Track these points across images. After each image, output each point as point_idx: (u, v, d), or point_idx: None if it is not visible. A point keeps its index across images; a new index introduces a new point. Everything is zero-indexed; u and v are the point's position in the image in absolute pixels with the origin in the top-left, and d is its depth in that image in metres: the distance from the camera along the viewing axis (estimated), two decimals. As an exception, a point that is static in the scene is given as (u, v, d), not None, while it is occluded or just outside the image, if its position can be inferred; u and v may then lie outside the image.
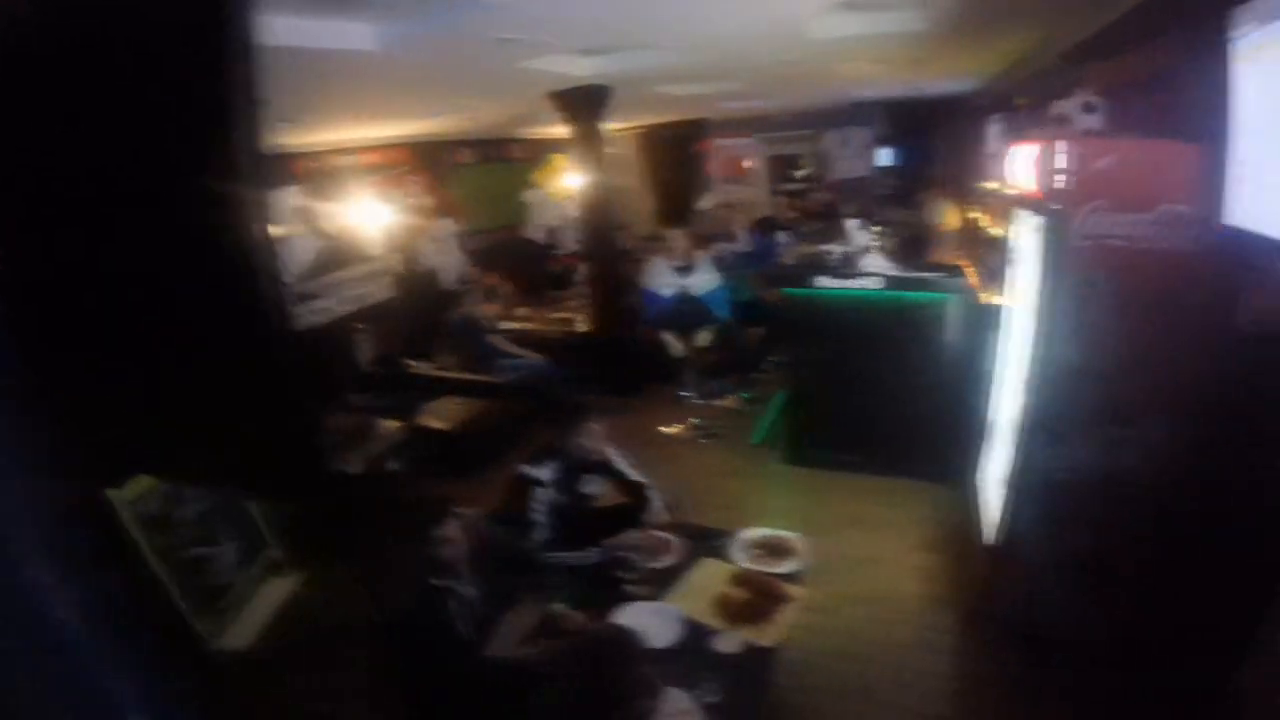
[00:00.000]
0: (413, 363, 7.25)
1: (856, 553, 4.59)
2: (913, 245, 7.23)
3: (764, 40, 5.08)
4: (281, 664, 3.89)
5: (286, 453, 1.46)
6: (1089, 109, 3.69)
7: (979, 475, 4.40)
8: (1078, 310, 3.06)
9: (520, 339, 7.62)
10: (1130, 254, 2.92)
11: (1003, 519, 3.68)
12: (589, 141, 6.95)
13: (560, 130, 7.18)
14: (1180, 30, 3.18)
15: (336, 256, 7.85)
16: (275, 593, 4.28)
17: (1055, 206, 3.03)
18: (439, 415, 6.30)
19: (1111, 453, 3.18)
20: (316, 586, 4.46)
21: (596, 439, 3.55)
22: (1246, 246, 2.46)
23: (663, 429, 6.61)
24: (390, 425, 5.88)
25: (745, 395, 6.94)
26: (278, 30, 3.41)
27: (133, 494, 3.55)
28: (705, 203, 11.63)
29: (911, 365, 5.16)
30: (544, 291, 9.46)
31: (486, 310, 7.96)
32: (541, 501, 3.38)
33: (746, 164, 12.83)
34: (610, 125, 11.08)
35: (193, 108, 1.16)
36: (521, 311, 8.54)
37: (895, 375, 5.20)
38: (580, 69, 5.56)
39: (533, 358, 7.13)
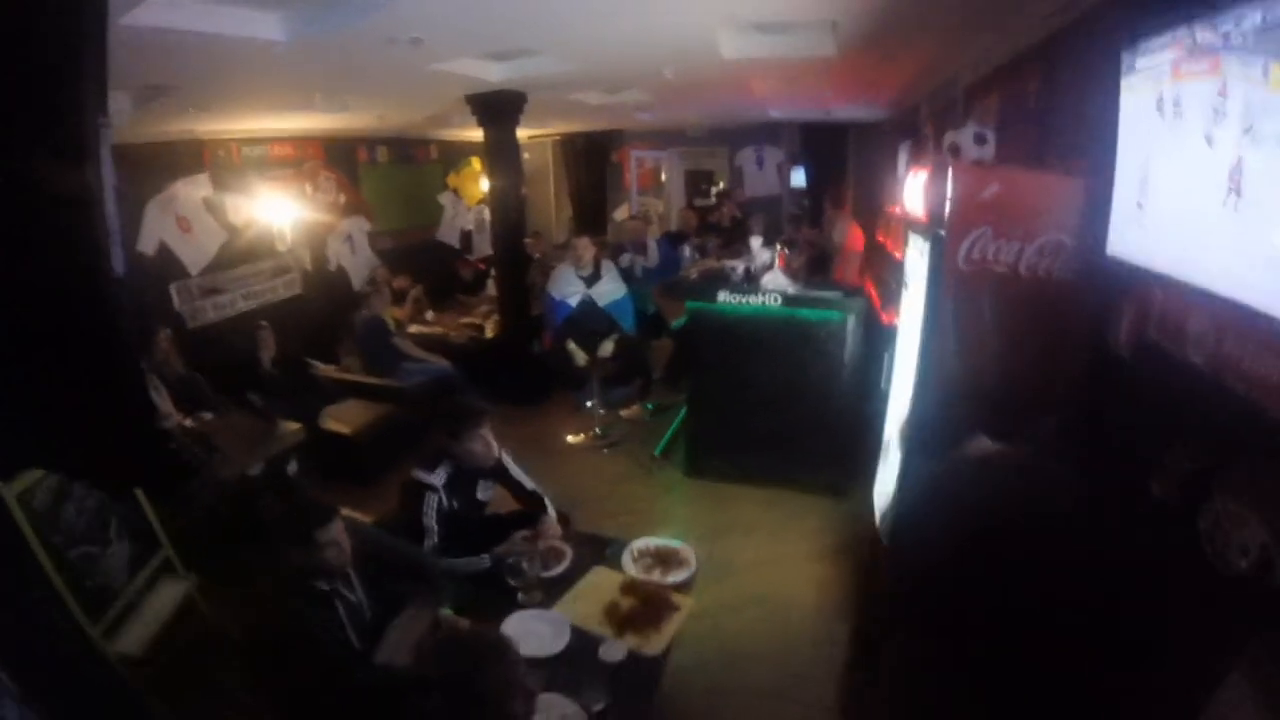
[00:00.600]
0: (317, 364, 7.13)
1: (748, 561, 4.72)
2: (817, 264, 7.43)
3: (674, 56, 5.22)
4: (172, 670, 3.79)
5: (126, 444, 1.48)
6: (980, 140, 3.83)
7: (874, 487, 4.54)
8: (961, 331, 3.16)
9: (427, 343, 7.58)
10: (1012, 280, 3.02)
11: (889, 526, 3.80)
12: (503, 146, 6.97)
13: (477, 133, 7.18)
14: (1071, 66, 3.38)
15: (242, 250, 7.70)
16: (169, 596, 4.15)
17: (940, 231, 3.13)
18: (340, 418, 6.23)
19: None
20: (209, 590, 4.36)
21: (491, 445, 3.55)
22: (1123, 276, 2.58)
23: (568, 438, 6.67)
24: (290, 426, 5.76)
25: (649, 406, 7.05)
26: (187, 14, 3.39)
27: (21, 486, 3.42)
28: (620, 213, 11.73)
29: (809, 381, 5.32)
30: (454, 295, 9.43)
31: (395, 313, 7.90)
32: (433, 506, 3.39)
33: (662, 176, 12.99)
34: (528, 131, 11.18)
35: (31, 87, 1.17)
36: (430, 315, 8.50)
37: (793, 390, 5.36)
38: (492, 74, 5.61)
39: (438, 362, 7.10)
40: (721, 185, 12.61)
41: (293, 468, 5.87)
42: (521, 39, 4.69)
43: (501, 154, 7.04)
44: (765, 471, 5.57)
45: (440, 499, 3.42)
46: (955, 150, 3.84)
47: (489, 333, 7.88)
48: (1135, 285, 2.55)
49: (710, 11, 4.02)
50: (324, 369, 6.98)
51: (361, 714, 2.50)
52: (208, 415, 5.70)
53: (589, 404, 6.64)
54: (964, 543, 2.39)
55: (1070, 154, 3.33)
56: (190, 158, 7.15)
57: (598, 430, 6.57)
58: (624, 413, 7.03)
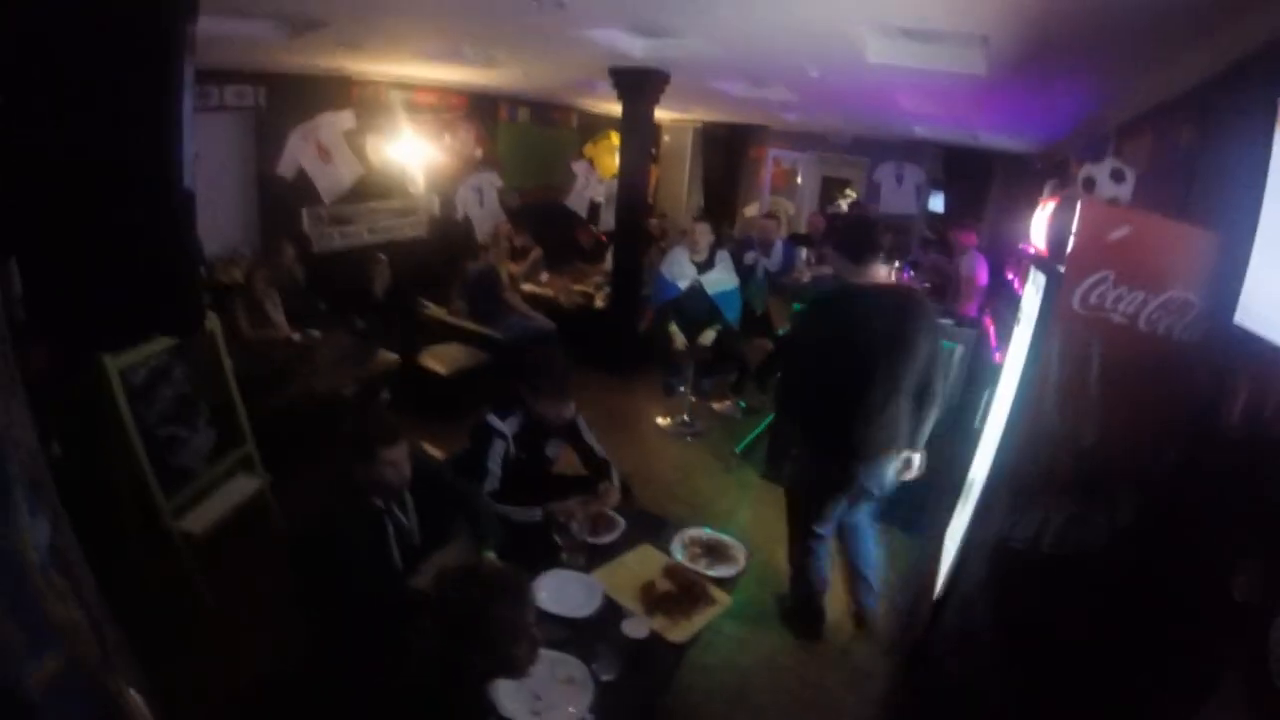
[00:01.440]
0: (428, 303, 7.32)
1: None
2: (939, 292, 7.21)
3: (819, 54, 5.12)
4: (227, 557, 4.02)
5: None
6: (1118, 177, 3.60)
7: (948, 530, 4.35)
8: (1064, 379, 2.91)
9: (536, 302, 7.70)
10: (1128, 332, 2.77)
11: (950, 573, 3.63)
12: (638, 123, 6.98)
13: (618, 107, 7.21)
14: (1224, 115, 3.14)
15: (375, 187, 7.98)
16: (242, 489, 4.33)
17: (1060, 269, 2.91)
18: (438, 357, 6.39)
19: (1074, 528, 3.06)
20: (282, 492, 4.54)
21: (565, 411, 3.56)
22: (1248, 349, 2.36)
23: (656, 419, 6.67)
24: (388, 356, 5.95)
25: (743, 404, 6.98)
26: None
27: (123, 363, 3.63)
28: (750, 209, 11.62)
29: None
30: (572, 262, 9.52)
31: (510, 267, 8.04)
32: (499, 452, 3.43)
33: (797, 178, 12.82)
34: (670, 113, 11.20)
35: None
36: (544, 277, 8.60)
37: None
38: (635, 48, 5.60)
39: (541, 321, 7.19)
40: (853, 195, 12.36)
41: (385, 395, 6.07)
42: (665, 15, 4.66)
43: (636, 130, 7.04)
44: (843, 493, 5.37)
45: (508, 446, 3.46)
46: (1090, 184, 3.61)
47: (598, 303, 7.92)
48: (1261, 360, 2.31)
49: (858, 10, 3.89)
50: (433, 309, 7.14)
51: (375, 625, 2.54)
52: (316, 333, 5.92)
53: (681, 389, 6.60)
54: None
55: (1213, 208, 3.04)
56: (338, 93, 7.45)
57: (685, 417, 6.52)
58: (716, 404, 6.97)
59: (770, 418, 6.08)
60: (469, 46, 5.95)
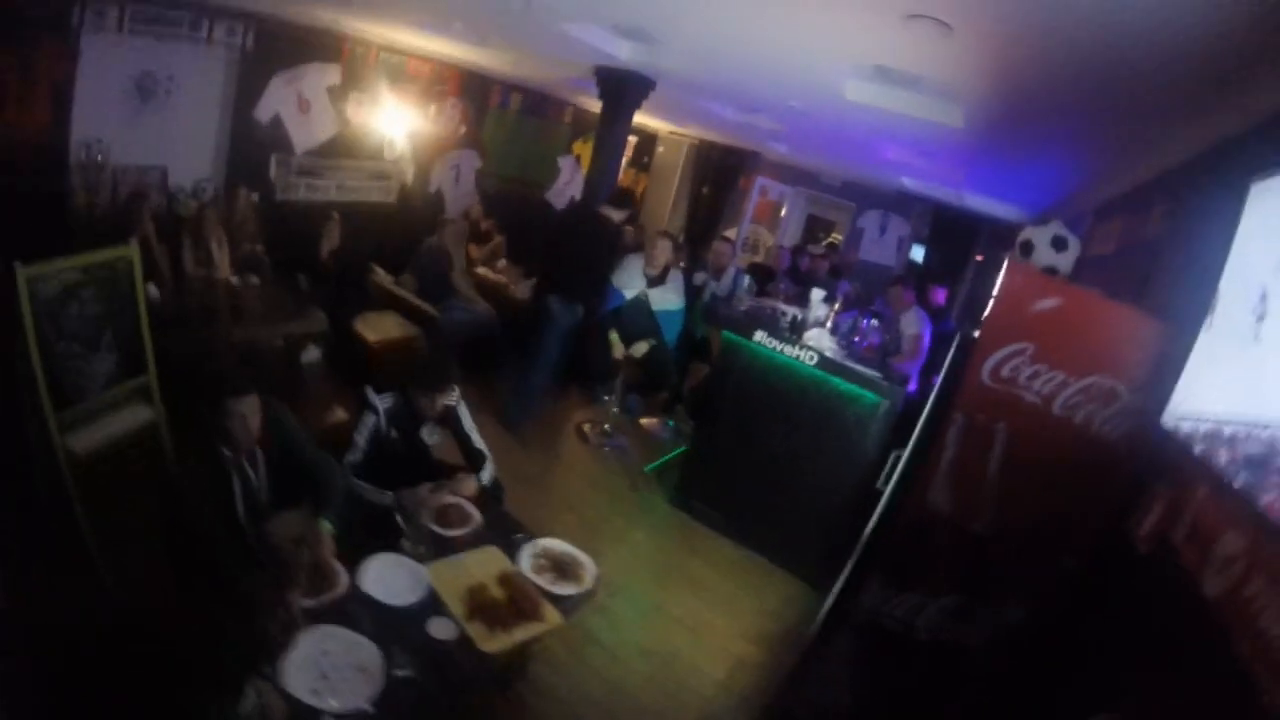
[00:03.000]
0: (378, 270, 7.21)
1: (681, 615, 4.43)
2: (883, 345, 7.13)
3: (799, 86, 5.14)
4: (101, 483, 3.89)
5: None
6: (1059, 245, 3.40)
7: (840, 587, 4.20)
8: (962, 454, 2.76)
9: (486, 289, 7.61)
10: (1040, 416, 2.62)
11: (815, 639, 3.54)
12: (615, 125, 6.93)
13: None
14: (1196, 202, 3.02)
15: (350, 146, 7.88)
16: (134, 418, 4.24)
17: (974, 333, 2.78)
18: (371, 325, 6.30)
19: (954, 618, 2.94)
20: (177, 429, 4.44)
21: (441, 397, 3.52)
22: (1169, 454, 2.24)
23: (580, 425, 6.61)
24: (317, 315, 5.85)
25: (671, 423, 6.93)
26: None
27: (34, 273, 3.58)
28: (730, 233, 11.57)
29: (823, 455, 4.96)
30: (537, 255, 9.39)
31: (471, 249, 7.95)
32: (368, 426, 3.41)
33: (782, 212, 12.79)
34: (666, 125, 11.17)
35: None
36: (500, 264, 8.50)
37: (804, 459, 5.03)
38: (620, 50, 5.55)
39: (482, 308, 7.11)
40: (837, 238, 12.34)
41: (312, 354, 5.99)
42: (650, 19, 4.61)
43: (611, 131, 6.97)
44: (748, 532, 5.27)
45: (379, 422, 3.44)
46: (1027, 248, 3.42)
47: (548, 300, 7.82)
48: (1181, 468, 2.15)
49: (834, 41, 3.84)
50: (380, 277, 7.04)
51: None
52: (254, 279, 5.85)
53: (606, 399, 6.55)
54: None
55: (1167, 295, 2.90)
56: (328, 47, 7.40)
57: (606, 428, 6.46)
58: (644, 422, 6.92)
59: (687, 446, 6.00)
60: (460, 23, 5.88)
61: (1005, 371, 2.63)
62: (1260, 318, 1.82)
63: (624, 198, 6.28)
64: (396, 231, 8.11)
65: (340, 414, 4.33)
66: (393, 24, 6.63)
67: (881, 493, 3.92)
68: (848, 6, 3.12)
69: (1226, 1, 1.90)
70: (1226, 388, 1.97)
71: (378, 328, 6.29)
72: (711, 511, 5.45)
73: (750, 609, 4.67)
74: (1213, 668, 1.59)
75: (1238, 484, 1.73)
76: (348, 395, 5.13)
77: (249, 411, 2.82)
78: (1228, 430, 1.88)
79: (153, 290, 4.77)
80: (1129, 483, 2.49)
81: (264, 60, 6.84)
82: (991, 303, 2.72)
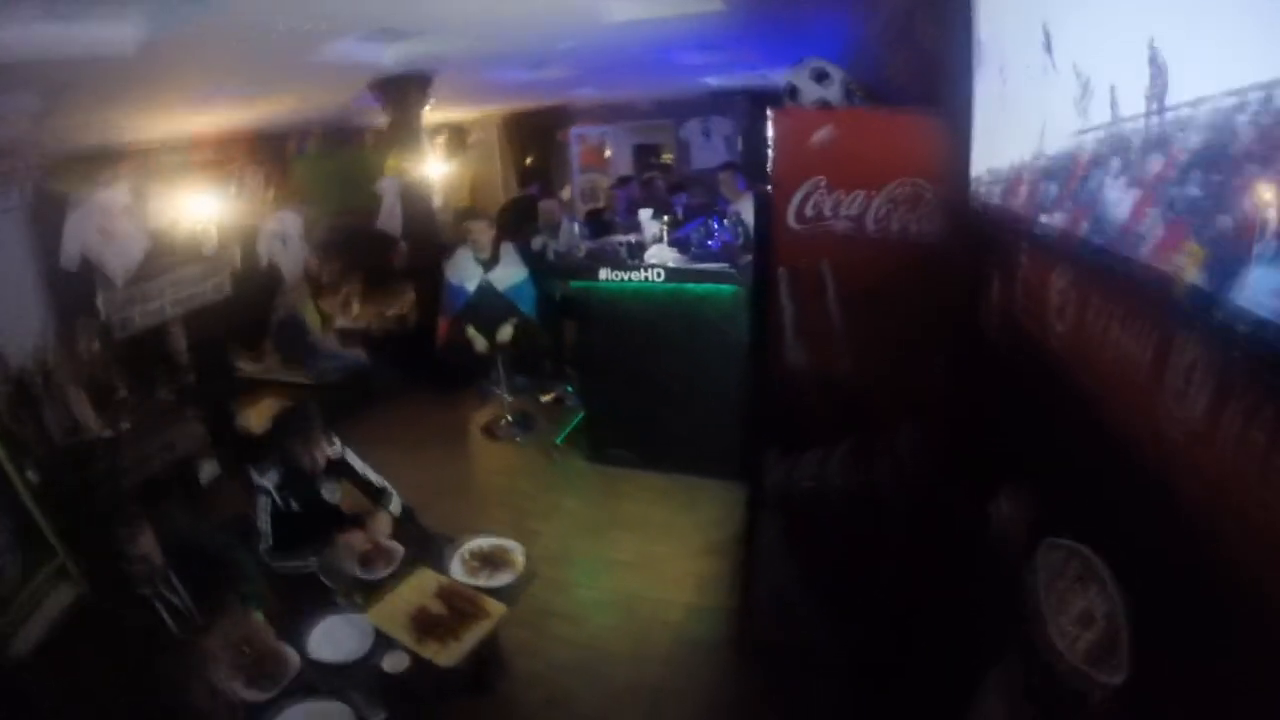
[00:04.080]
0: (242, 362, 7.10)
1: (632, 558, 4.60)
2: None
3: (560, 25, 5.07)
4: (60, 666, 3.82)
5: None
6: (820, 77, 3.29)
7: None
8: (800, 306, 2.84)
9: (350, 336, 7.58)
10: (856, 240, 2.67)
11: (751, 524, 3.65)
12: (407, 132, 6.86)
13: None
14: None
15: (168, 256, 7.63)
16: (60, 601, 4.20)
17: (766, 187, 2.80)
18: (254, 413, 6.27)
19: (853, 462, 3.05)
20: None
21: (320, 447, 3.53)
22: (984, 229, 2.17)
23: (481, 425, 6.68)
24: (196, 426, 5.77)
25: (570, 388, 7.01)
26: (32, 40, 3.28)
27: None
28: (565, 192, 11.58)
29: (703, 359, 5.12)
30: (387, 283, 9.31)
31: (323, 305, 7.85)
32: (265, 509, 3.42)
33: (606, 153, 12.81)
34: (472, 111, 11.03)
35: None
36: (354, 307, 8.45)
37: (687, 370, 5.18)
38: (384, 56, 5.47)
39: (352, 354, 7.08)
40: (668, 158, 12.44)
41: (210, 469, 5.90)
42: (401, 15, 4.53)
43: (408, 138, 6.92)
44: (666, 457, 5.44)
45: (274, 500, 3.46)
46: (793, 93, 3.36)
47: (411, 322, 7.81)
48: (1004, 235, 2.02)
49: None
50: (246, 366, 6.94)
51: None
52: (125, 424, 5.72)
53: (495, 391, 6.62)
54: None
55: (937, 91, 2.73)
56: (108, 169, 7.06)
57: (508, 418, 6.54)
58: (544, 397, 7.04)
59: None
60: (221, 95, 5.72)
61: (809, 210, 2.69)
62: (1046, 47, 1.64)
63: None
64: (243, 318, 7.93)
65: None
66: (158, 115, 6.41)
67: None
68: None
69: None
70: (1024, 132, 1.83)
71: (261, 414, 6.23)
72: (626, 453, 5.59)
73: (691, 527, 4.87)
74: (1085, 417, 1.48)
75: (1041, 221, 1.70)
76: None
77: (145, 545, 2.84)
78: (1016, 171, 1.86)
79: (32, 476, 4.64)
80: (961, 274, 2.40)
81: (50, 207, 6.52)
82: (770, 151, 2.74)
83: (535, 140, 11.96)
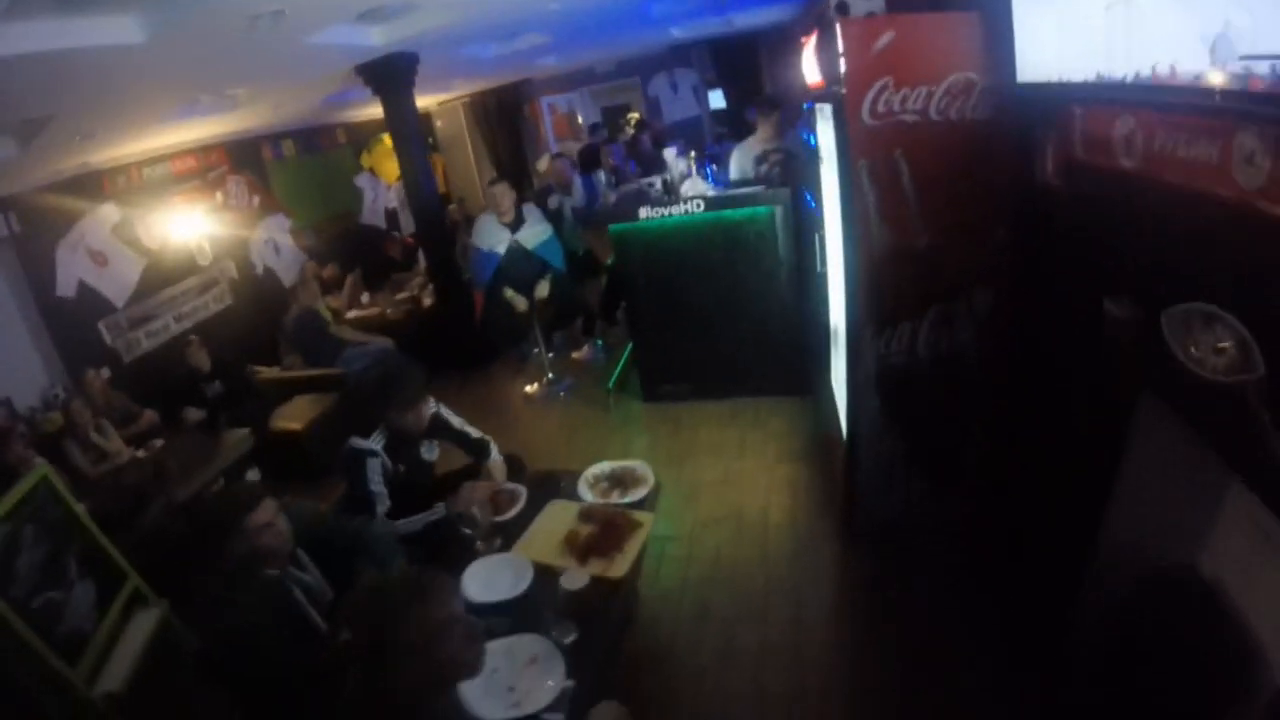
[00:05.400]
0: (258, 368, 6.98)
1: (718, 477, 4.69)
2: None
3: None
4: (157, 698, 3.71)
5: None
6: None
7: (831, 378, 4.46)
8: (881, 192, 3.06)
9: (366, 325, 7.48)
10: (925, 127, 2.94)
11: (848, 411, 3.75)
12: (403, 114, 6.75)
13: (379, 108, 6.94)
14: None
15: (164, 273, 7.46)
16: (143, 626, 4.01)
17: (840, 91, 3.01)
18: (289, 416, 6.14)
19: (939, 329, 3.27)
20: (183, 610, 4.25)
21: (426, 406, 3.47)
22: (1041, 101, 2.52)
23: (525, 389, 6.61)
24: (237, 434, 5.64)
25: (599, 342, 7.01)
26: (37, 36, 3.20)
27: None
28: (541, 163, 11.52)
29: (748, 282, 5.25)
30: (388, 275, 9.22)
31: (331, 303, 7.76)
32: (377, 471, 3.31)
33: (578, 119, 12.78)
34: (435, 97, 10.93)
35: None
36: (365, 298, 8.36)
37: (734, 295, 5.30)
38: (373, 38, 5.41)
39: (378, 341, 6.98)
40: (635, 116, 12.41)
41: (253, 474, 5.77)
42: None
43: (404, 122, 6.80)
44: (722, 385, 5.55)
45: (384, 462, 3.35)
46: (843, 8, 3.70)
47: (425, 302, 7.72)
48: (1055, 107, 2.45)
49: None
50: (265, 372, 6.82)
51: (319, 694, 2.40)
52: (158, 442, 5.57)
53: (535, 352, 6.56)
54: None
55: None
56: (92, 191, 6.84)
57: (550, 377, 6.50)
58: (575, 354, 7.00)
59: (630, 346, 6.10)
60: (207, 95, 5.60)
61: (880, 107, 2.94)
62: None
63: None
64: (250, 326, 7.81)
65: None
66: (141, 130, 6.26)
67: (823, 274, 4.22)
68: None
69: None
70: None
71: (296, 416, 6.12)
72: (681, 387, 5.68)
73: (764, 440, 5.02)
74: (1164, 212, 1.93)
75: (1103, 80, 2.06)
76: (305, 489, 5.14)
77: (271, 517, 2.66)
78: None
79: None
80: (1019, 144, 2.81)
81: (38, 238, 6.31)
82: (842, 59, 2.94)
83: (503, 118, 11.83)
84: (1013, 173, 2.88)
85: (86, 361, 6.21)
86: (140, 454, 5.47)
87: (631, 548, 2.88)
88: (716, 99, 11.88)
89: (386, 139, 10.29)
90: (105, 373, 6.19)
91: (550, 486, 3.41)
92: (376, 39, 5.45)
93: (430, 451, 3.64)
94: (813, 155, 4.31)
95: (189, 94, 5.51)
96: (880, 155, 3.01)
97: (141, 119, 5.76)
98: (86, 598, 3.82)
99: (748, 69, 11.26)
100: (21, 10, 2.95)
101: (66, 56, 3.44)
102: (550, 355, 6.55)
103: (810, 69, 3.89)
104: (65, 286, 6.49)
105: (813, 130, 4.20)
